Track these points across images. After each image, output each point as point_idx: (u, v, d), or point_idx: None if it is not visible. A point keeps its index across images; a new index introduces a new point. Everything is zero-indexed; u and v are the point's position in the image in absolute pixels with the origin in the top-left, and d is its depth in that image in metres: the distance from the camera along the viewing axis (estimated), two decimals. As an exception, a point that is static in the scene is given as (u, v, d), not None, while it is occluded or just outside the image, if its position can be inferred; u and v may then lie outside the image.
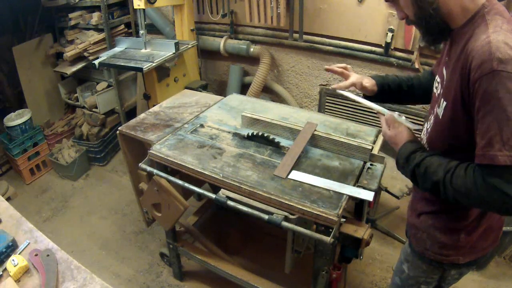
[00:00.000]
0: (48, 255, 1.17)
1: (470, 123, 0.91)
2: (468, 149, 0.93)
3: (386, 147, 2.84)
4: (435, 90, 1.13)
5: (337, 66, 1.40)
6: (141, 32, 2.57)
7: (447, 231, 1.11)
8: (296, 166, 1.55)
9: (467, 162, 0.93)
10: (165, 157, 1.66)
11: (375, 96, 1.37)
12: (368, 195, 1.37)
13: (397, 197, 2.28)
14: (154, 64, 2.41)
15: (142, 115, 2.06)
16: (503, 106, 0.80)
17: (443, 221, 1.12)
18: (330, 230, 1.29)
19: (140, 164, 1.73)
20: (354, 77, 1.36)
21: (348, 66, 1.41)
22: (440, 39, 1.03)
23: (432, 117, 1.09)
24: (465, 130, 0.94)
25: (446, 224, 1.12)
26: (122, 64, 2.48)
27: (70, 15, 3.16)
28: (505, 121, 0.80)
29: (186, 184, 1.59)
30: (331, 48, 2.77)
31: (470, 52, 0.87)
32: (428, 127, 1.13)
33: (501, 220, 1.16)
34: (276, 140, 1.68)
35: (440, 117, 1.01)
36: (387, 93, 1.37)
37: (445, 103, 0.99)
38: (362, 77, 1.36)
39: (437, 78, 1.12)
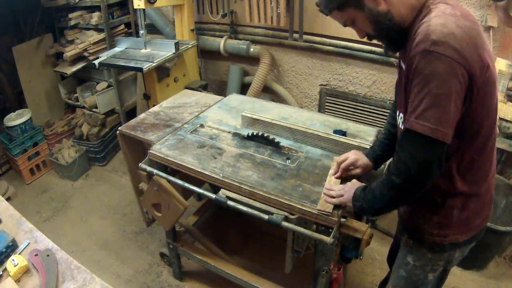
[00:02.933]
0: (48, 255, 1.17)
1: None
2: None
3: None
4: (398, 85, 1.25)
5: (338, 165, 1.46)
6: (141, 32, 2.57)
7: (440, 210, 1.16)
8: (297, 166, 1.55)
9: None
10: (165, 157, 1.66)
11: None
12: None
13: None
14: (154, 64, 2.41)
15: (142, 115, 2.06)
16: (427, 82, 0.90)
17: (434, 202, 1.17)
18: (330, 230, 1.29)
19: (140, 164, 1.73)
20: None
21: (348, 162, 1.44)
22: (402, 43, 1.08)
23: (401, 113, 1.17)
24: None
25: (438, 206, 1.17)
26: (122, 64, 2.48)
27: (70, 15, 3.16)
28: (426, 95, 0.90)
29: (186, 184, 1.59)
30: (331, 48, 2.77)
31: (415, 36, 0.95)
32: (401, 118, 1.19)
33: (490, 195, 1.21)
34: (276, 140, 1.68)
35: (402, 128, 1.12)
36: (383, 158, 1.45)
37: (401, 114, 1.13)
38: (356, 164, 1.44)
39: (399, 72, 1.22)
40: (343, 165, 1.42)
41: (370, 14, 1.02)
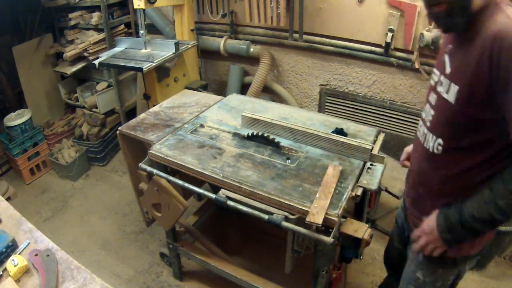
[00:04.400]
0: (48, 255, 1.17)
1: (492, 100, 0.92)
2: (480, 128, 0.97)
3: (386, 147, 2.85)
4: (431, 82, 1.15)
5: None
6: (141, 32, 2.57)
7: None
8: (297, 166, 1.55)
9: (490, 178, 0.98)
10: (165, 157, 1.66)
11: None
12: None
13: (397, 197, 2.28)
14: (154, 64, 2.40)
15: (142, 115, 2.06)
16: None
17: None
18: (330, 230, 1.29)
19: (140, 164, 1.73)
20: None
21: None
22: (463, 23, 0.99)
23: (434, 104, 1.10)
24: (484, 108, 0.95)
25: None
26: (122, 64, 2.48)
27: (70, 15, 3.16)
28: None
29: (186, 184, 1.59)
30: (331, 48, 2.77)
31: (490, 33, 0.89)
32: (430, 115, 1.13)
33: None
34: (276, 140, 1.68)
35: (453, 101, 1.01)
36: None
37: (456, 87, 1.00)
38: None
39: (435, 70, 1.15)
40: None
41: None
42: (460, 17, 0.97)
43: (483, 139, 0.97)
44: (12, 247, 1.21)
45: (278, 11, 2.66)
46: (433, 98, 1.12)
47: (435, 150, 1.09)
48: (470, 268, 1.27)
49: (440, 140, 1.07)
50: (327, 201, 1.32)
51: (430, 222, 1.11)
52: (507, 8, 0.93)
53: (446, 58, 1.08)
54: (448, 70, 1.06)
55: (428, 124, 1.14)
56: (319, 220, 1.25)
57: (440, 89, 1.08)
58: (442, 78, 1.08)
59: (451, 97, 1.02)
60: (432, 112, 1.12)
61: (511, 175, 0.93)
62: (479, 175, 1.04)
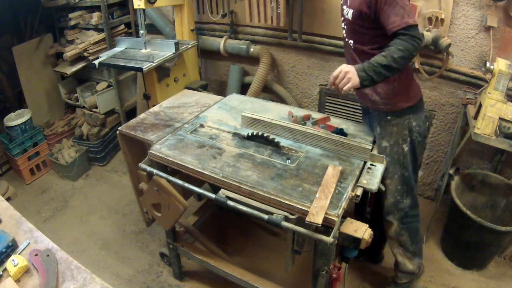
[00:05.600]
0: (48, 255, 1.17)
1: (374, 15, 1.50)
2: (368, 31, 1.58)
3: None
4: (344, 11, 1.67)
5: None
6: (141, 32, 2.57)
7: (384, 85, 1.65)
8: (297, 166, 1.55)
9: (386, 44, 1.48)
10: (165, 157, 1.66)
11: None
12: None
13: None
14: (154, 64, 2.41)
15: (142, 115, 2.06)
16: (398, 2, 1.43)
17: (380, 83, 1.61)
18: (330, 230, 1.29)
19: (140, 164, 1.73)
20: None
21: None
22: None
23: (344, 21, 1.70)
24: (368, 20, 1.53)
25: (383, 84, 1.64)
26: (122, 64, 2.48)
27: (70, 15, 3.16)
28: (402, 6, 1.43)
29: (186, 184, 1.59)
30: (331, 48, 2.77)
31: None
32: (344, 27, 1.72)
33: (415, 83, 1.74)
34: (276, 140, 1.68)
35: (350, 19, 1.59)
36: None
37: (351, 10, 1.57)
38: None
39: (342, 3, 1.70)
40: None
41: None
42: None
43: (373, 36, 1.58)
44: (12, 247, 1.21)
45: (278, 11, 2.66)
46: (343, 18, 1.70)
47: (351, 47, 1.69)
48: (418, 133, 1.72)
49: (351, 41, 1.67)
50: (326, 201, 1.32)
51: (349, 67, 1.49)
52: None
53: None
54: (348, 3, 1.61)
55: (344, 34, 1.74)
56: (318, 220, 1.25)
57: (344, 13, 1.66)
58: (345, 7, 1.64)
59: (349, 16, 1.60)
60: (344, 25, 1.72)
61: (395, 44, 1.45)
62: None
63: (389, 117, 1.69)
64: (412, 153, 1.73)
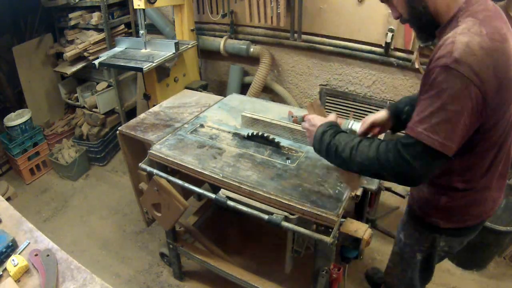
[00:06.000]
0: (48, 255, 1.17)
1: None
2: None
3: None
4: None
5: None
6: (141, 32, 2.57)
7: (433, 191, 1.25)
8: (297, 166, 1.55)
9: (369, 138, 1.11)
10: (165, 157, 1.66)
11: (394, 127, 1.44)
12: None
13: (402, 196, 2.26)
14: (154, 64, 2.41)
15: (142, 115, 2.06)
16: (443, 97, 0.92)
17: (430, 182, 1.24)
18: (330, 230, 1.29)
19: (140, 164, 1.73)
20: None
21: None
22: (432, 36, 1.12)
23: None
24: None
25: (432, 186, 1.25)
26: (122, 64, 2.48)
27: (70, 15, 3.16)
28: (439, 109, 0.93)
29: (186, 184, 1.59)
30: (331, 48, 2.77)
31: (437, 49, 0.97)
32: None
33: (488, 194, 1.22)
34: (276, 140, 1.68)
35: None
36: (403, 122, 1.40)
37: None
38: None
39: None
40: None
41: None
42: (415, 26, 1.13)
43: None
44: (12, 247, 1.21)
45: (278, 11, 2.66)
46: None
47: None
48: (444, 251, 1.35)
49: None
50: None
51: (317, 122, 1.25)
52: (462, 24, 0.96)
53: None
54: None
55: None
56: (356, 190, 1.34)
57: None
58: None
59: None
60: None
61: (376, 145, 1.05)
62: None
63: (415, 223, 1.37)
64: (425, 264, 1.42)
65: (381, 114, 1.39)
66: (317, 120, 1.26)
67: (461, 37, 0.92)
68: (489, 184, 1.19)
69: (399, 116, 1.38)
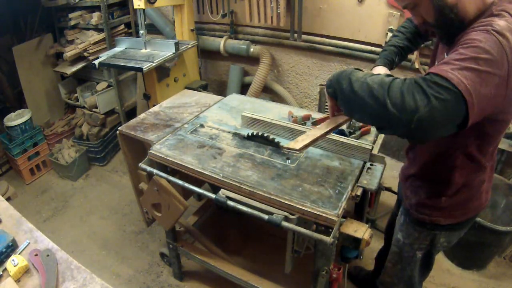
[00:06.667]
0: (48, 255, 1.17)
1: None
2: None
3: (386, 146, 2.85)
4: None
5: None
6: (141, 32, 2.57)
7: (431, 194, 1.27)
8: (297, 166, 1.55)
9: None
10: (165, 157, 1.66)
11: None
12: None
13: (400, 196, 2.28)
14: (154, 64, 2.41)
15: (142, 115, 2.06)
16: (477, 50, 0.84)
17: (427, 185, 1.28)
18: (330, 230, 1.29)
19: (140, 164, 1.73)
20: None
21: None
22: (455, 38, 1.04)
23: None
24: None
25: (430, 189, 1.28)
26: (122, 64, 2.48)
27: (70, 15, 3.16)
28: (471, 58, 0.84)
29: (186, 184, 1.59)
30: (331, 48, 2.77)
31: (470, 31, 0.93)
32: None
33: (482, 188, 1.25)
34: (276, 140, 1.68)
35: None
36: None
37: None
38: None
39: (435, 46, 1.27)
40: None
41: (438, 3, 0.98)
42: (442, 30, 1.06)
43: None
44: (12, 247, 1.21)
45: (278, 11, 2.66)
46: None
47: None
48: (443, 246, 1.38)
49: None
50: (320, 132, 1.23)
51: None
52: (499, 15, 0.93)
53: (439, 50, 1.19)
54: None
55: None
56: (297, 146, 1.16)
57: None
58: None
59: None
60: None
61: (389, 78, 0.90)
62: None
63: (415, 224, 1.37)
64: (424, 261, 1.44)
65: (385, 70, 1.42)
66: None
67: (498, 20, 0.90)
68: (485, 177, 1.23)
69: (391, 67, 1.46)
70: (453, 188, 1.21)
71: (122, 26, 3.28)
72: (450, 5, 0.97)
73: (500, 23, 0.90)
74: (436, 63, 1.09)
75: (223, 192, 1.48)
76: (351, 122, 1.74)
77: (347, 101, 1.01)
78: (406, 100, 0.83)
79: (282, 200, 1.37)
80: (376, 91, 0.88)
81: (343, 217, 1.34)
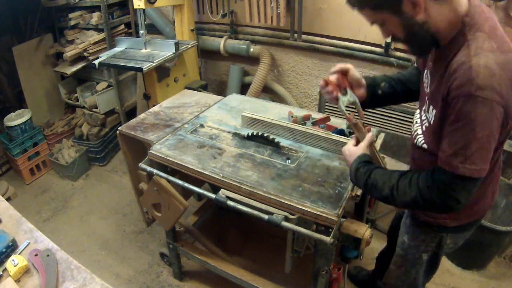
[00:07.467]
0: (48, 255, 1.17)
1: None
2: None
3: (386, 147, 2.85)
4: (425, 87, 1.19)
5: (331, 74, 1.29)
6: (141, 32, 2.57)
7: None
8: (297, 166, 1.55)
9: (406, 173, 1.10)
10: (165, 157, 1.66)
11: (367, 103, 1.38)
12: None
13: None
14: (154, 64, 2.41)
15: (142, 115, 2.06)
16: (473, 127, 0.92)
17: None
18: (330, 230, 1.29)
19: (140, 164, 1.73)
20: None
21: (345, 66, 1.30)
22: (428, 52, 1.10)
23: (425, 119, 1.17)
24: None
25: None
26: (122, 64, 2.48)
27: (70, 15, 3.16)
28: (472, 140, 0.93)
29: (186, 184, 1.59)
30: (331, 48, 2.77)
31: (453, 73, 0.95)
32: (423, 121, 1.19)
33: (489, 190, 1.25)
34: (276, 140, 1.68)
35: (432, 122, 1.11)
36: (379, 98, 1.38)
37: (434, 111, 1.09)
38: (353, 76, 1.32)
39: (424, 77, 1.21)
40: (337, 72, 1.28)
41: (406, 22, 0.99)
42: (412, 46, 1.08)
43: None
44: (12, 247, 1.21)
45: (278, 11, 2.66)
46: (424, 107, 1.19)
47: (422, 147, 1.20)
48: (449, 248, 1.38)
49: (425, 145, 1.18)
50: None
51: (350, 158, 1.23)
52: (473, 43, 0.94)
53: (428, 76, 1.16)
54: (428, 89, 1.15)
55: (422, 130, 1.21)
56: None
57: (424, 107, 1.18)
58: (425, 96, 1.17)
59: (430, 116, 1.12)
60: (422, 117, 1.21)
61: (415, 183, 1.05)
62: None
63: (421, 226, 1.36)
64: (430, 263, 1.44)
65: (355, 72, 1.31)
66: (352, 151, 1.24)
67: (476, 59, 0.91)
68: (491, 179, 1.22)
69: (375, 90, 1.34)
70: None
71: (122, 26, 3.28)
72: (419, 22, 0.97)
73: (478, 63, 0.90)
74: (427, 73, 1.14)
75: (223, 192, 1.48)
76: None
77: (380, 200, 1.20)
78: (443, 208, 1.04)
79: (282, 200, 1.37)
80: (410, 206, 1.13)
81: (343, 217, 1.34)
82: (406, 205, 1.12)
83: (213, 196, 1.50)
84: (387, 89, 1.37)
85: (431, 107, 1.11)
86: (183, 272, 2.26)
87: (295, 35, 2.81)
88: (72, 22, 3.17)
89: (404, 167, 2.24)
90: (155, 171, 1.69)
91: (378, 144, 1.73)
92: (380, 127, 2.78)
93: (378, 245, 2.40)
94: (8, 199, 2.92)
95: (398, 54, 2.55)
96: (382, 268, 1.84)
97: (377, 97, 1.35)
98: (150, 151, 1.72)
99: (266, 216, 1.37)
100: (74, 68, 3.20)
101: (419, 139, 1.19)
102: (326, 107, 3.04)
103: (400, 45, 2.51)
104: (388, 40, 2.47)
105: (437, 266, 1.48)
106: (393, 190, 1.09)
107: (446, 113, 0.99)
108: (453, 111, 0.95)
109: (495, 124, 0.93)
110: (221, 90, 3.54)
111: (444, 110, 1.01)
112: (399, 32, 1.03)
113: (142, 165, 1.72)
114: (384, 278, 1.65)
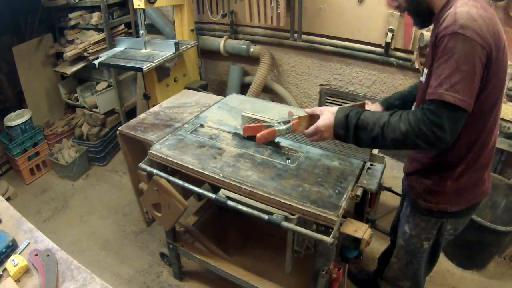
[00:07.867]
0: (48, 255, 1.17)
1: None
2: None
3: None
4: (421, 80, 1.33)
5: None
6: (141, 32, 2.57)
7: (435, 177, 1.32)
8: (297, 166, 1.55)
9: (395, 111, 1.17)
10: (165, 157, 1.66)
11: None
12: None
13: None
14: (154, 64, 2.41)
15: (142, 115, 2.06)
16: (456, 60, 1.03)
17: (431, 172, 1.33)
18: (330, 230, 1.29)
19: (140, 164, 1.73)
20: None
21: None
22: (428, 22, 1.28)
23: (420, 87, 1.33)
24: None
25: (434, 174, 1.33)
26: (122, 64, 2.48)
27: (70, 15, 3.16)
28: (455, 70, 1.03)
29: (186, 184, 1.59)
30: (331, 48, 2.77)
31: (441, 23, 1.09)
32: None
33: (484, 174, 1.32)
34: (276, 140, 1.68)
35: (424, 82, 1.24)
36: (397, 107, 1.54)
37: (426, 70, 1.24)
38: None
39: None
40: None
41: None
42: (417, 17, 1.29)
43: None
44: (12, 247, 1.21)
45: (278, 11, 2.67)
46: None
47: None
48: (450, 234, 1.42)
49: None
50: None
51: (327, 121, 1.27)
52: (461, 0, 1.09)
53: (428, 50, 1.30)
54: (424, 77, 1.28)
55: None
56: None
57: (421, 78, 1.31)
58: (424, 69, 1.29)
59: (423, 78, 1.26)
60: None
61: (406, 118, 1.11)
62: None
63: (422, 214, 1.40)
64: (432, 251, 1.49)
65: (375, 106, 1.53)
66: (326, 115, 1.29)
67: (461, 8, 1.06)
68: (485, 161, 1.28)
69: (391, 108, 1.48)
70: (457, 172, 1.26)
71: (122, 26, 3.29)
72: None
73: (462, 10, 1.05)
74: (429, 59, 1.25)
75: (223, 192, 1.48)
76: None
77: (367, 145, 1.26)
78: (431, 139, 1.07)
79: (282, 200, 1.37)
80: (401, 141, 1.13)
81: (343, 217, 1.34)
82: (396, 142, 1.14)
83: (213, 196, 1.50)
84: (400, 106, 1.52)
85: (424, 69, 1.26)
86: (183, 272, 2.26)
87: (295, 35, 2.81)
88: (72, 22, 3.17)
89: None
90: (155, 171, 1.69)
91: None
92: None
93: (378, 245, 2.40)
94: (8, 199, 2.92)
95: (398, 54, 2.55)
96: (384, 268, 1.84)
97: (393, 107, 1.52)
98: (150, 151, 1.72)
99: (266, 216, 1.37)
100: (74, 68, 3.20)
101: None
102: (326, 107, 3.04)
103: (400, 45, 2.51)
104: (389, 40, 2.47)
105: (437, 256, 1.52)
106: (384, 127, 1.14)
107: (435, 59, 1.10)
108: (439, 50, 1.07)
109: (477, 63, 1.03)
110: (221, 90, 3.54)
111: (433, 59, 1.12)
112: (404, 2, 1.25)
113: (142, 165, 1.72)
114: (385, 273, 1.67)
